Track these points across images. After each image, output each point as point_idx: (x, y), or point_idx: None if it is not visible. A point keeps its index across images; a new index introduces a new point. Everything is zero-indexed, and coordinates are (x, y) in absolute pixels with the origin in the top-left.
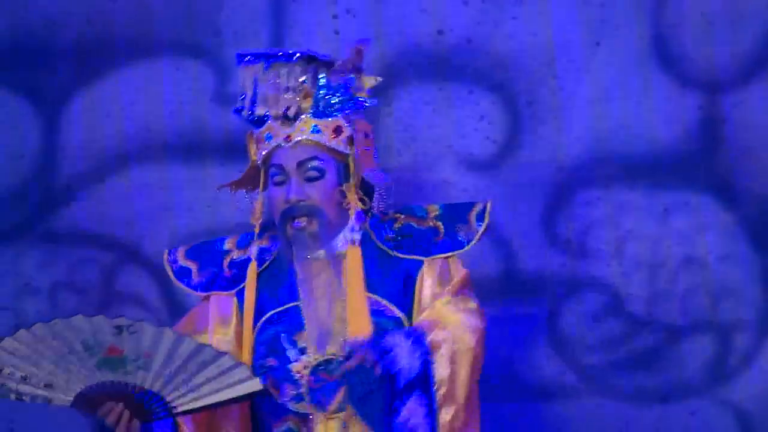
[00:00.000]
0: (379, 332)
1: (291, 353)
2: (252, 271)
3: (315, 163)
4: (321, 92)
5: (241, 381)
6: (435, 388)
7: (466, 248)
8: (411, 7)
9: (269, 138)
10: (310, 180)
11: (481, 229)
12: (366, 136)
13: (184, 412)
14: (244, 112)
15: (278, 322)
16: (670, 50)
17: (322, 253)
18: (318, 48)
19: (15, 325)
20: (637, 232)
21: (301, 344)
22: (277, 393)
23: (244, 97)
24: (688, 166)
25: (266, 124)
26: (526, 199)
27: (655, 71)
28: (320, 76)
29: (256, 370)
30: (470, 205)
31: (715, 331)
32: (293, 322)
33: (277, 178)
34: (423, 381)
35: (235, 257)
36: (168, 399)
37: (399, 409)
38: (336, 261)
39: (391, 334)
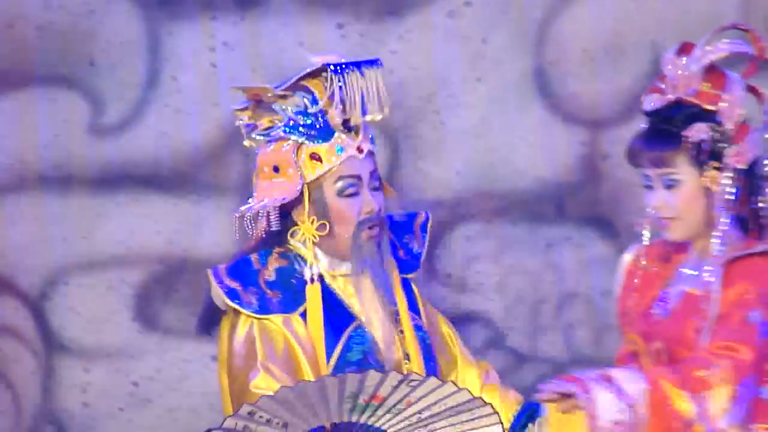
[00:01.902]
0: (425, 348)
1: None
2: (316, 292)
3: (376, 173)
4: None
5: (484, 426)
6: None
7: (422, 259)
8: (289, 40)
9: (341, 150)
10: (375, 190)
11: (426, 241)
12: None
13: None
14: (308, 120)
15: (356, 342)
16: (552, 86)
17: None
18: (195, 81)
19: None
20: (519, 266)
21: (382, 362)
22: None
23: (304, 111)
24: (570, 201)
25: (334, 136)
26: None
27: (537, 107)
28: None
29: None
30: (413, 216)
31: (599, 366)
32: (365, 341)
33: (352, 189)
34: None
35: (268, 278)
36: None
37: None
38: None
39: None
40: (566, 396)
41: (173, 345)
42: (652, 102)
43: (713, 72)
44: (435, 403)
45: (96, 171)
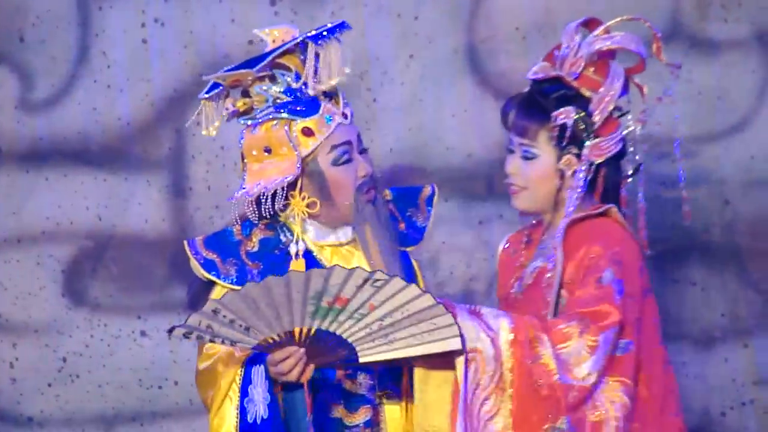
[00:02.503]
0: None
1: None
2: (300, 269)
3: (360, 135)
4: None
5: (443, 338)
6: None
7: (426, 232)
8: (221, 17)
9: (329, 119)
10: (363, 152)
11: (431, 214)
12: None
13: (367, 363)
14: (292, 97)
15: None
16: (484, 64)
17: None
18: (126, 57)
19: None
20: (451, 244)
21: None
22: (352, 382)
23: (291, 89)
24: (502, 177)
25: (321, 108)
26: None
27: (469, 84)
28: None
29: (331, 393)
30: (419, 189)
31: None
32: None
33: (346, 156)
34: None
35: (249, 249)
36: (358, 348)
37: None
38: (348, 249)
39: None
40: None
41: (102, 320)
42: (538, 71)
43: (600, 60)
44: (397, 309)
45: (25, 146)
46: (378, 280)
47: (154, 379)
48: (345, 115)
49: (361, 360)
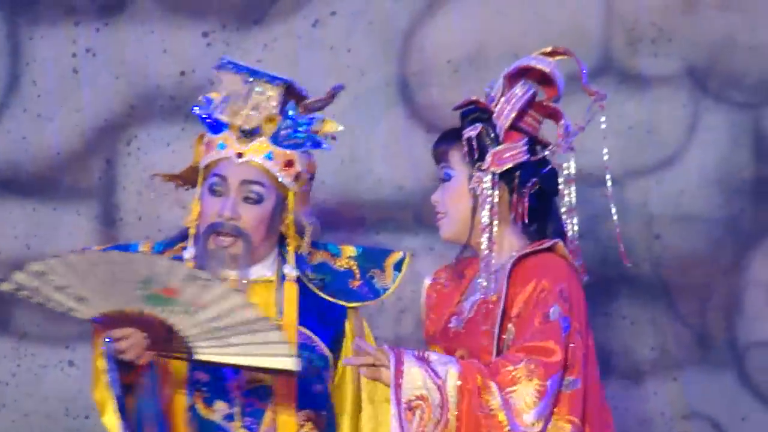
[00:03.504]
0: (309, 368)
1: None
2: None
3: (258, 188)
4: (286, 122)
5: (276, 355)
6: None
7: (383, 297)
8: (153, 48)
9: (222, 147)
10: (247, 200)
11: (398, 279)
12: (311, 178)
13: (203, 361)
14: (205, 111)
15: None
16: (416, 96)
17: (234, 273)
18: (56, 86)
19: None
20: None
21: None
22: (208, 409)
23: (209, 99)
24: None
25: (222, 133)
26: None
27: (400, 116)
28: (290, 106)
29: (190, 384)
30: (388, 252)
31: None
32: None
33: (217, 188)
34: None
35: None
36: (192, 344)
37: None
38: (258, 285)
39: None
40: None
41: (29, 350)
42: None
43: (511, 77)
44: (227, 314)
45: None
46: (202, 278)
47: (81, 408)
48: (239, 155)
49: (195, 357)
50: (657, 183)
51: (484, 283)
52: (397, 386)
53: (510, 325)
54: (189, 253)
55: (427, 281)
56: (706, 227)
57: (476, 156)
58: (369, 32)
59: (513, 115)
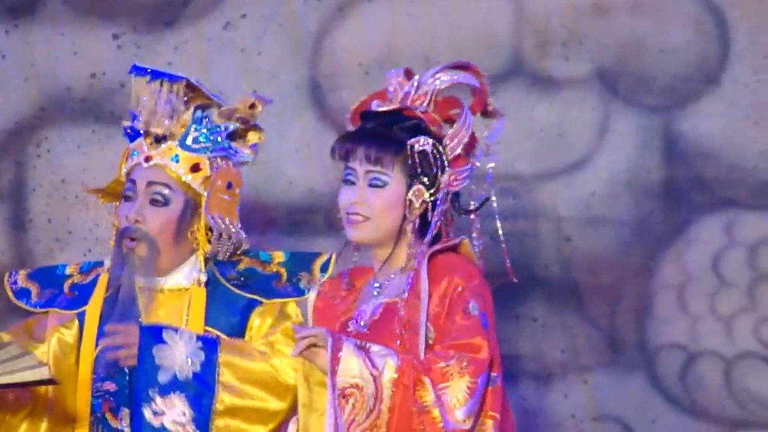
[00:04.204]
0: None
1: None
2: (103, 283)
3: (163, 189)
4: (195, 126)
5: (30, 367)
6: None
7: (306, 296)
8: (64, 50)
9: (135, 154)
10: (153, 203)
11: (324, 279)
12: (228, 186)
13: None
14: (131, 125)
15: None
16: (327, 99)
17: (142, 281)
18: None
19: None
20: None
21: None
22: (114, 418)
23: (133, 113)
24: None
25: (137, 141)
26: None
27: (311, 119)
28: (198, 110)
29: (94, 393)
30: (315, 255)
31: None
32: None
33: (129, 193)
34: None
35: (76, 281)
36: None
37: (153, 398)
38: (172, 294)
39: (180, 331)
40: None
41: None
42: (378, 105)
43: (448, 97)
44: None
45: None
46: None
47: None
48: (147, 159)
49: None
50: (567, 185)
51: (397, 284)
52: (333, 372)
53: (428, 323)
54: (107, 262)
55: (313, 294)
56: (616, 230)
57: (422, 171)
58: (280, 35)
59: (465, 141)
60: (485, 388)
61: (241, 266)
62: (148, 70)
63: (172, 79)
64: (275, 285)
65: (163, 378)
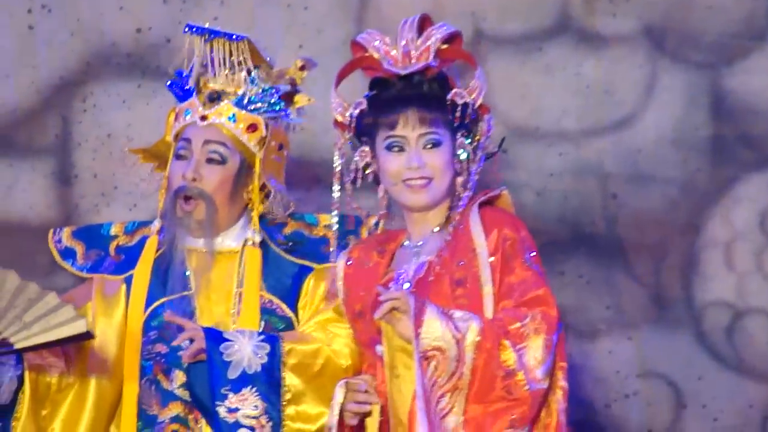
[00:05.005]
0: (270, 329)
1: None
2: (152, 246)
3: (220, 148)
4: (251, 86)
5: (67, 321)
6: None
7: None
8: (109, 5)
9: (187, 113)
10: (210, 162)
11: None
12: (280, 147)
13: (24, 349)
14: (176, 83)
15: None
16: None
17: (201, 242)
18: (12, 43)
19: None
20: None
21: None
22: (166, 379)
23: (180, 72)
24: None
25: (188, 100)
26: None
27: (358, 74)
28: (255, 71)
29: (145, 355)
30: (362, 219)
31: None
32: (185, 311)
33: (182, 152)
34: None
35: (122, 243)
36: (6, 335)
37: (227, 396)
38: (222, 256)
39: (240, 331)
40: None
41: None
42: (392, 65)
43: (448, 49)
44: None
45: None
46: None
47: None
48: (203, 118)
49: (20, 346)
50: (614, 143)
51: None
52: (417, 336)
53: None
54: (157, 224)
55: (342, 261)
56: (662, 187)
57: (462, 123)
58: None
59: (485, 89)
60: (558, 342)
61: (288, 230)
62: (206, 29)
63: (231, 38)
64: (324, 250)
65: (233, 374)
